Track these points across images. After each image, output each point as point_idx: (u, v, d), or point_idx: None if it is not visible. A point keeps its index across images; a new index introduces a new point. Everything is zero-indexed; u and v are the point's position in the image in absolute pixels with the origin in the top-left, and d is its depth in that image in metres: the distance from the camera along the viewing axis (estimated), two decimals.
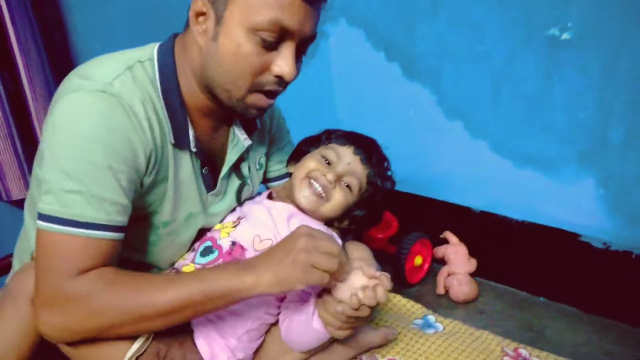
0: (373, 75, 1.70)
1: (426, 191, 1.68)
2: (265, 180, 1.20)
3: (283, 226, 1.02)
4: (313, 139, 1.14)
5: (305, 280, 0.80)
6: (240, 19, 0.80)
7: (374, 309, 0.87)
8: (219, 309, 0.87)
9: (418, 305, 1.39)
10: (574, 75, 1.33)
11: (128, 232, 0.85)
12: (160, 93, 0.87)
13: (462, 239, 1.53)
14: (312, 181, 1.03)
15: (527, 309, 1.44)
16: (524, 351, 1.21)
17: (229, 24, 0.81)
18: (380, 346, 1.19)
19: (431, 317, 1.34)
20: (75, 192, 0.78)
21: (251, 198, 1.13)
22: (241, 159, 1.05)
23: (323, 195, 1.02)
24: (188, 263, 1.00)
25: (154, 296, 0.80)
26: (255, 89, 0.86)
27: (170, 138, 0.88)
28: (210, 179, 0.99)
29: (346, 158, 1.06)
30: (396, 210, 1.55)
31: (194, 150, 0.92)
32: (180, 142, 0.90)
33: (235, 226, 1.02)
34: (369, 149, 1.09)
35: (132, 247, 0.92)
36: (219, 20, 0.82)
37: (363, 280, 0.86)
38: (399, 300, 1.41)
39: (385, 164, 1.13)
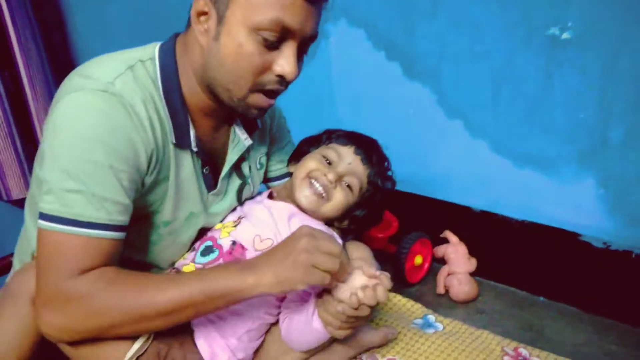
0: (373, 75, 1.70)
1: (426, 191, 1.68)
2: (266, 180, 1.20)
3: (284, 226, 1.02)
4: (314, 139, 1.14)
5: (307, 280, 0.80)
6: (242, 18, 0.80)
7: (374, 308, 0.87)
8: (219, 309, 0.87)
9: (418, 305, 1.39)
10: (574, 75, 1.33)
11: (129, 232, 0.85)
12: (161, 93, 0.87)
13: (462, 238, 1.53)
14: (313, 181, 1.03)
15: (527, 309, 1.44)
16: (524, 351, 1.21)
17: (230, 24, 0.81)
18: (380, 346, 1.19)
19: (431, 317, 1.34)
20: (76, 192, 0.78)
21: (252, 198, 1.13)
22: (242, 158, 1.05)
23: (324, 195, 1.02)
24: (188, 262, 1.00)
25: (154, 296, 0.79)
26: (256, 88, 0.86)
27: (171, 138, 0.89)
28: (211, 178, 0.99)
29: (347, 158, 1.06)
30: (396, 209, 1.55)
31: (195, 149, 0.92)
32: (182, 142, 0.90)
33: (235, 226, 1.02)
34: (369, 149, 1.09)
35: (133, 246, 0.92)
36: (220, 20, 0.82)
37: (363, 280, 0.86)
38: (399, 299, 1.40)
39: (386, 164, 1.13)
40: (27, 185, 1.28)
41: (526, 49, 1.38)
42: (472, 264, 1.50)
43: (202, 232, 1.03)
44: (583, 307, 1.42)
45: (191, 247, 1.04)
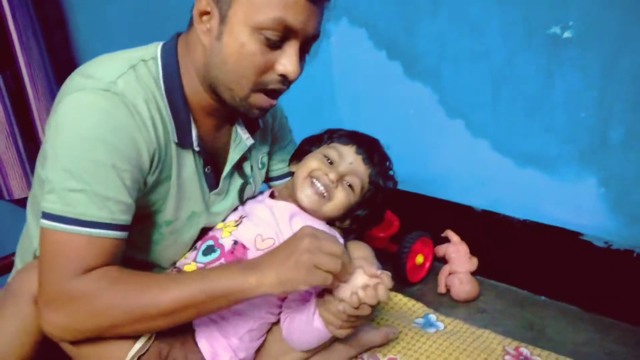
0: (374, 74, 1.70)
1: (427, 190, 1.68)
2: (268, 180, 1.20)
3: (285, 225, 1.02)
4: (315, 138, 1.14)
5: (309, 281, 0.80)
6: (245, 18, 0.80)
7: (375, 307, 0.87)
8: (222, 309, 0.87)
9: (419, 304, 1.39)
10: (575, 74, 1.33)
11: (131, 231, 0.85)
12: (163, 92, 0.87)
13: (463, 237, 1.53)
14: (314, 180, 1.03)
15: (528, 308, 1.45)
16: (525, 350, 1.21)
17: (233, 23, 0.81)
18: (382, 345, 1.19)
19: (432, 316, 1.35)
20: (79, 191, 0.78)
21: (253, 197, 1.13)
22: (243, 158, 1.05)
23: (325, 194, 1.02)
24: (190, 262, 1.00)
25: (157, 296, 0.80)
26: (258, 88, 0.86)
27: (173, 137, 0.89)
28: (212, 178, 0.99)
29: (348, 157, 1.06)
30: (397, 209, 1.55)
31: (196, 149, 0.92)
32: (183, 141, 0.90)
33: (237, 225, 1.02)
34: (371, 149, 1.09)
35: (135, 246, 0.92)
36: (223, 20, 0.82)
37: (364, 279, 0.86)
38: (400, 299, 1.41)
39: (387, 163, 1.13)
40: (28, 184, 1.28)
41: (527, 48, 1.38)
42: (473, 263, 1.50)
43: (204, 232, 1.03)
44: (584, 306, 1.43)
45: (193, 247, 1.04)
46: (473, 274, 1.50)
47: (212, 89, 0.89)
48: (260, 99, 0.88)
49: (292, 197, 1.06)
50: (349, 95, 1.80)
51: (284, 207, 1.05)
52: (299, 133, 1.21)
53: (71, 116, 0.79)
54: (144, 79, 0.85)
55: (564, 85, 1.35)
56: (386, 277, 0.86)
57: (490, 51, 1.45)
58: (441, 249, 1.54)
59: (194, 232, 1.00)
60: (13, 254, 1.10)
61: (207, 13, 0.84)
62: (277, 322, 1.04)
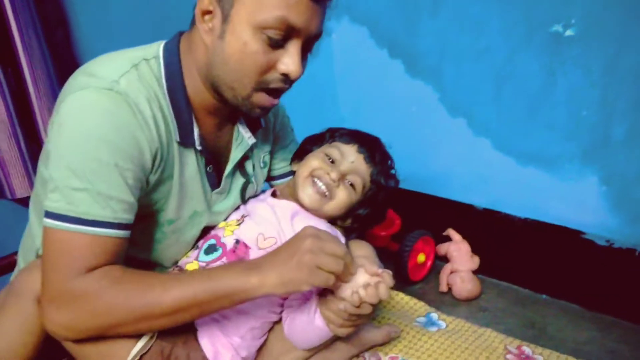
0: (376, 72, 1.70)
1: (429, 189, 1.68)
2: (269, 179, 1.20)
3: (287, 224, 1.02)
4: (317, 137, 1.14)
5: (311, 281, 0.80)
6: (247, 17, 0.80)
7: (376, 306, 0.87)
8: (224, 309, 0.87)
9: (421, 303, 1.39)
10: (577, 72, 1.33)
11: (133, 230, 0.85)
12: (165, 91, 0.87)
13: (464, 236, 1.53)
14: (316, 180, 1.03)
15: (530, 307, 1.45)
16: (526, 349, 1.22)
17: (235, 22, 0.81)
18: (383, 344, 1.20)
19: (434, 315, 1.35)
20: (82, 190, 0.78)
21: (255, 196, 1.13)
22: (245, 157, 1.05)
23: (327, 193, 1.02)
24: (192, 261, 1.00)
25: (160, 295, 0.80)
26: (260, 87, 0.86)
27: (175, 136, 0.89)
28: (214, 177, 0.99)
29: (350, 156, 1.06)
30: (399, 208, 1.55)
31: (198, 148, 0.92)
32: (186, 140, 0.90)
33: (239, 224, 1.03)
34: (372, 148, 1.09)
35: (137, 245, 0.92)
36: (225, 19, 0.82)
37: (365, 278, 0.87)
38: (401, 298, 1.41)
39: (389, 162, 1.13)
40: (31, 183, 1.29)
41: (528, 46, 1.38)
42: (474, 261, 1.50)
43: (206, 231, 1.03)
44: (586, 304, 1.43)
45: (195, 246, 1.04)
46: (475, 272, 1.50)
47: (214, 88, 0.89)
48: (262, 98, 0.88)
49: (294, 196, 1.06)
50: (351, 94, 1.80)
51: (285, 206, 1.05)
52: (301, 132, 1.21)
53: (74, 115, 0.79)
54: (146, 78, 0.85)
55: (566, 83, 1.35)
56: (387, 276, 0.86)
57: (492, 49, 1.45)
58: (443, 248, 1.54)
59: (195, 231, 1.01)
60: (15, 253, 1.11)
61: (209, 12, 0.84)
62: (279, 321, 1.04)
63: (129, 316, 0.80)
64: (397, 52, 1.63)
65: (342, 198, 1.03)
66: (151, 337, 0.88)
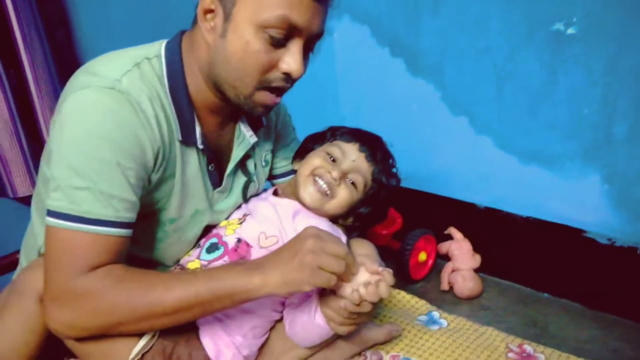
0: (377, 71, 1.70)
1: (430, 187, 1.68)
2: (271, 177, 1.20)
3: (288, 223, 1.02)
4: (318, 136, 1.14)
5: (313, 282, 0.80)
6: (249, 16, 0.80)
7: (377, 304, 0.87)
8: (226, 309, 0.87)
9: (422, 302, 1.39)
10: (579, 70, 1.33)
11: (135, 229, 0.85)
12: (167, 90, 0.87)
13: (466, 235, 1.53)
14: (317, 178, 1.03)
15: (532, 305, 1.45)
16: (528, 347, 1.21)
17: (237, 21, 0.81)
18: (385, 342, 1.20)
19: (435, 313, 1.35)
20: (84, 189, 0.78)
21: (257, 195, 1.13)
22: (247, 155, 1.05)
23: (328, 192, 1.02)
24: (193, 259, 1.00)
25: (161, 295, 0.80)
26: (262, 86, 0.86)
27: (177, 135, 0.89)
28: (216, 175, 0.99)
29: (351, 155, 1.06)
30: (400, 206, 1.56)
31: (200, 147, 0.92)
32: (187, 139, 0.90)
33: (240, 223, 1.03)
34: (374, 146, 1.09)
35: (138, 243, 0.92)
36: (227, 18, 0.82)
37: (365, 276, 0.87)
38: (403, 296, 1.41)
39: (390, 161, 1.13)
40: (32, 182, 1.29)
41: (530, 44, 1.38)
42: (476, 260, 1.50)
43: (208, 230, 1.04)
44: (587, 303, 1.43)
45: (196, 244, 1.04)
46: (476, 271, 1.50)
47: (216, 87, 0.89)
48: (264, 97, 0.88)
49: (295, 195, 1.06)
50: (352, 92, 1.80)
51: (287, 205, 1.05)
52: (302, 130, 1.21)
53: (76, 114, 0.79)
54: (148, 77, 0.85)
55: (568, 81, 1.35)
56: (387, 274, 0.86)
57: (493, 48, 1.45)
58: (444, 246, 1.54)
59: (197, 229, 1.01)
60: (17, 252, 1.11)
61: (211, 11, 0.84)
62: (281, 320, 1.04)
63: (131, 315, 0.80)
64: (399, 51, 1.63)
65: (343, 197, 1.03)
66: (153, 336, 0.88)
